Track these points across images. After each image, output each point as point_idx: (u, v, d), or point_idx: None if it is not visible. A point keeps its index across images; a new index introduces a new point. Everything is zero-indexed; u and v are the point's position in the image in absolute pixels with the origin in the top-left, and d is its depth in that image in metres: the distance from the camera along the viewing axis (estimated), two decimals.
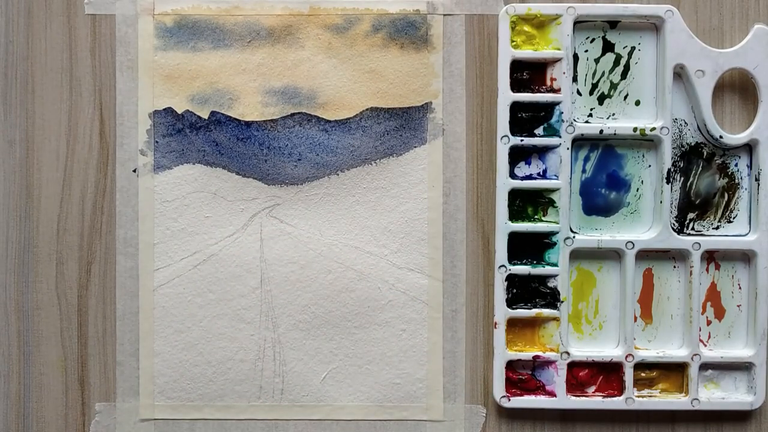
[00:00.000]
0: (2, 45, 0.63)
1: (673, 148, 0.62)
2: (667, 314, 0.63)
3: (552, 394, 0.63)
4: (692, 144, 0.63)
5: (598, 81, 0.63)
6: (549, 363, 0.63)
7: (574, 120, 0.62)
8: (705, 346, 0.63)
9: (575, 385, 0.63)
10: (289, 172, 0.63)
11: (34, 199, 0.64)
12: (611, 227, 0.63)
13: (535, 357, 0.63)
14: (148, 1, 0.63)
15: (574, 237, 0.62)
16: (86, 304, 0.64)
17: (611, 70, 0.63)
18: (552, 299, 0.63)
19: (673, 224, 0.63)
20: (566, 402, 0.62)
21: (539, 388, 0.63)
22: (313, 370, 0.63)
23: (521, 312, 0.63)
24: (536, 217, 0.63)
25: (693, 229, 0.63)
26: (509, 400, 0.63)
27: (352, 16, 0.63)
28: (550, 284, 0.63)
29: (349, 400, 0.64)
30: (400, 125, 0.63)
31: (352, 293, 0.63)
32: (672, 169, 0.62)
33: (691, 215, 0.63)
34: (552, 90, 0.62)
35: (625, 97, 0.63)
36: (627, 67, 0.63)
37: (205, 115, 0.63)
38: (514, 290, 0.63)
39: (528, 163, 0.63)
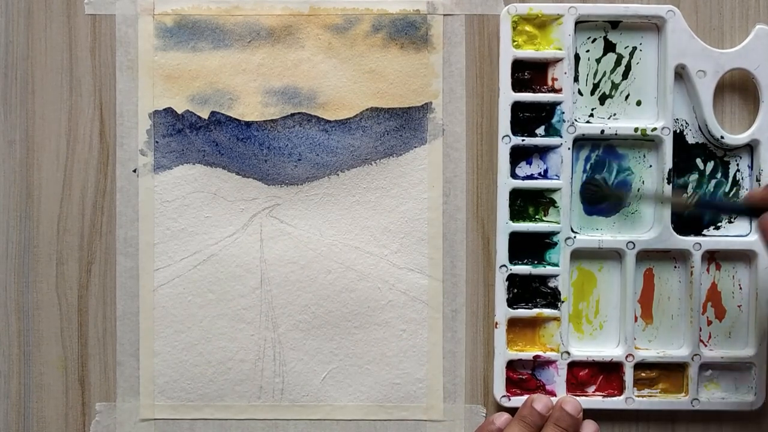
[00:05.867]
0: (2, 45, 0.63)
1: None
2: (667, 314, 0.63)
3: (552, 393, 0.63)
4: (693, 144, 0.63)
5: (600, 81, 0.63)
6: (549, 363, 0.63)
7: (576, 120, 0.62)
8: (705, 346, 0.63)
9: (575, 385, 0.63)
10: (289, 172, 0.63)
11: (34, 199, 0.64)
12: (612, 227, 0.63)
13: (536, 357, 0.63)
14: (148, 1, 0.63)
15: (574, 237, 0.62)
16: (86, 304, 0.64)
17: (612, 70, 0.63)
18: (552, 299, 0.63)
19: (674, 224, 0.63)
20: None
21: (539, 388, 0.63)
22: (313, 370, 0.64)
23: (522, 312, 0.63)
24: (537, 217, 0.63)
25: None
26: (509, 399, 0.63)
27: (352, 16, 0.63)
28: (551, 284, 0.63)
29: (349, 400, 0.64)
30: (400, 125, 0.63)
31: (352, 293, 0.63)
32: (673, 170, 0.62)
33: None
34: (553, 90, 0.62)
35: (627, 97, 0.63)
36: (628, 67, 0.63)
37: (205, 115, 0.63)
38: (515, 290, 0.63)
39: (529, 163, 0.63)
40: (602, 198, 0.63)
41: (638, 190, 0.63)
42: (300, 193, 0.63)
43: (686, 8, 0.63)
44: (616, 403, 0.63)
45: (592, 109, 0.63)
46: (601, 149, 0.63)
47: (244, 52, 0.63)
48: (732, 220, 0.63)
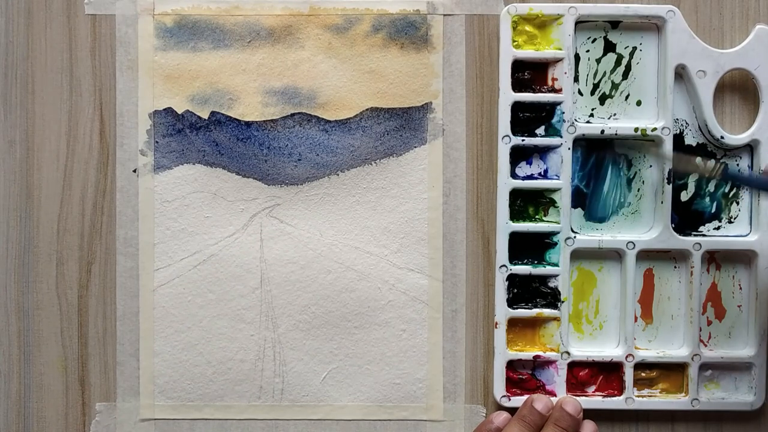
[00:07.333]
0: (2, 45, 0.63)
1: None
2: (667, 314, 0.63)
3: (552, 393, 0.63)
4: (693, 144, 0.63)
5: (600, 81, 0.63)
6: (549, 363, 0.63)
7: (576, 120, 0.62)
8: (705, 346, 0.63)
9: (575, 385, 0.63)
10: (289, 172, 0.63)
11: (34, 199, 0.64)
12: (612, 227, 0.63)
13: (536, 357, 0.63)
14: (148, 1, 0.63)
15: (575, 237, 0.62)
16: (86, 304, 0.64)
17: (612, 70, 0.63)
18: (552, 299, 0.63)
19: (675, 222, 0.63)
20: None
21: (539, 388, 0.63)
22: (313, 370, 0.64)
23: (522, 312, 0.63)
24: (537, 217, 0.63)
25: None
26: (509, 399, 0.63)
27: (352, 16, 0.63)
28: (551, 284, 0.63)
29: (349, 400, 0.64)
30: (400, 125, 0.63)
31: (352, 293, 0.63)
32: (673, 170, 0.62)
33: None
34: (553, 90, 0.62)
35: (627, 98, 0.63)
36: (628, 68, 0.63)
37: (205, 115, 0.63)
38: (515, 290, 0.63)
39: (529, 163, 0.63)
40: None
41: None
42: (300, 193, 0.63)
43: (686, 8, 0.63)
44: (616, 403, 0.63)
45: (592, 109, 0.63)
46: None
47: (244, 52, 0.63)
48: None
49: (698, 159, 0.59)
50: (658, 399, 0.63)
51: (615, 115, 0.63)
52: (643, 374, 0.63)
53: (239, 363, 0.63)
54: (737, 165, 0.63)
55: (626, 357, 0.62)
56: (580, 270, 0.63)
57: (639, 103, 0.63)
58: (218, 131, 0.63)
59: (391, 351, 0.63)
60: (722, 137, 0.61)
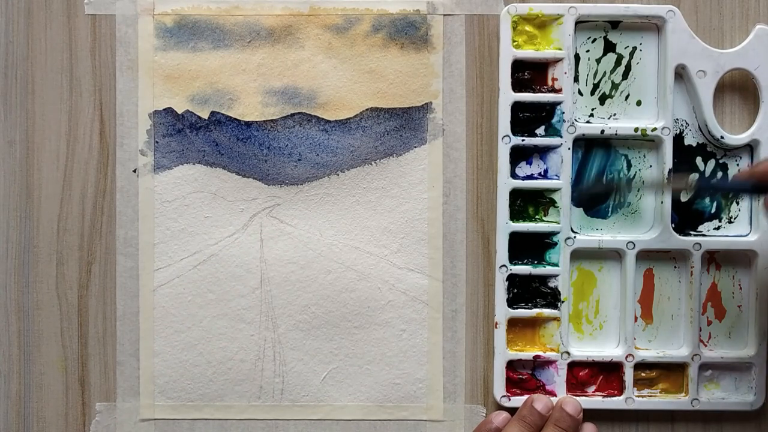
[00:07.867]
0: (2, 45, 0.63)
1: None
2: (667, 314, 0.63)
3: (552, 393, 0.63)
4: (693, 144, 0.63)
5: (600, 81, 0.63)
6: (549, 363, 0.63)
7: (576, 120, 0.62)
8: (705, 346, 0.63)
9: (575, 385, 0.63)
10: (289, 172, 0.63)
11: (34, 199, 0.64)
12: (612, 227, 0.63)
13: (536, 357, 0.63)
14: (148, 1, 0.63)
15: (575, 237, 0.62)
16: (86, 304, 0.64)
17: (612, 70, 0.63)
18: (552, 299, 0.63)
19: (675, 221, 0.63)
20: None
21: (539, 388, 0.63)
22: (313, 370, 0.64)
23: (522, 312, 0.63)
24: (537, 217, 0.63)
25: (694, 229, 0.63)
26: (509, 399, 0.63)
27: (352, 16, 0.63)
28: (551, 284, 0.63)
29: (349, 400, 0.64)
30: (400, 125, 0.63)
31: (352, 293, 0.63)
32: (673, 170, 0.62)
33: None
34: (553, 90, 0.62)
35: (627, 98, 0.63)
36: (628, 68, 0.63)
37: (205, 115, 0.63)
38: (515, 290, 0.63)
39: (529, 163, 0.63)
40: (598, 198, 0.63)
41: (636, 180, 0.63)
42: (300, 193, 0.63)
43: (686, 8, 0.63)
44: (616, 403, 0.63)
45: (592, 109, 0.63)
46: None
47: (244, 52, 0.63)
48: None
49: (669, 177, 0.60)
50: (658, 399, 0.63)
51: (615, 115, 0.63)
52: (643, 374, 0.63)
53: (239, 363, 0.63)
54: (737, 167, 0.63)
55: (626, 357, 0.62)
56: (580, 270, 0.63)
57: (639, 103, 0.63)
58: (218, 131, 0.63)
59: (391, 351, 0.63)
60: (722, 137, 0.61)
